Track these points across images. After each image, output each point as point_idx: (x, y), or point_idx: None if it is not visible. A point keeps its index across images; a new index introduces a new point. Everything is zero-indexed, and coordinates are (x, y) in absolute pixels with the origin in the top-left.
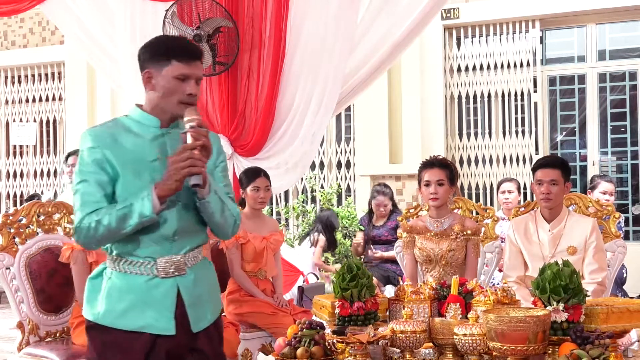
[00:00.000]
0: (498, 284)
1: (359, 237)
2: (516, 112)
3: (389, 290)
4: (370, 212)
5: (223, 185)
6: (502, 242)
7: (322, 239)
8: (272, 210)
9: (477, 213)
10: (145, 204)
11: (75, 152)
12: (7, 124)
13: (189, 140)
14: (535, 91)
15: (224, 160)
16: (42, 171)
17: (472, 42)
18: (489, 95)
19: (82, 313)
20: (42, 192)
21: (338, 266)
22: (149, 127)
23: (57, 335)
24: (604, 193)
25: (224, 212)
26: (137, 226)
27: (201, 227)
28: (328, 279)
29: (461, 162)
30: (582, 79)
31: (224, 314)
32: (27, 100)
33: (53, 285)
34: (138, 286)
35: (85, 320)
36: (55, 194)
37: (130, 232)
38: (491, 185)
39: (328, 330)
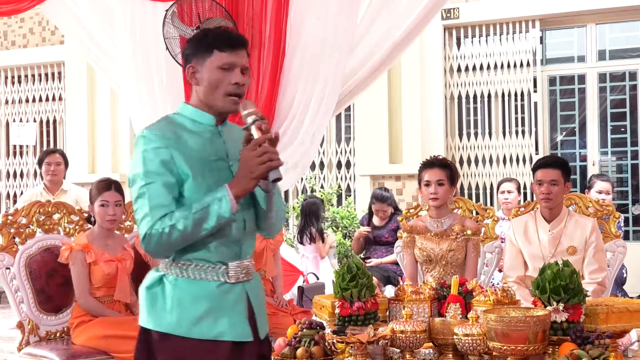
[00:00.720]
0: (498, 284)
1: (363, 229)
2: (516, 112)
3: (389, 290)
4: (371, 213)
5: None
6: (502, 242)
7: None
8: None
9: (477, 213)
10: (223, 206)
11: (54, 152)
12: (7, 124)
13: (256, 134)
14: (535, 91)
15: None
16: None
17: (472, 42)
18: (489, 95)
19: (140, 323)
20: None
21: (333, 237)
22: (204, 124)
23: (57, 335)
24: (600, 192)
25: (280, 204)
26: (213, 230)
27: (256, 229)
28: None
29: (461, 162)
30: (582, 79)
31: None
32: (27, 100)
33: (53, 285)
34: (210, 292)
35: (154, 332)
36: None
37: (203, 237)
38: (491, 185)
39: (328, 330)
